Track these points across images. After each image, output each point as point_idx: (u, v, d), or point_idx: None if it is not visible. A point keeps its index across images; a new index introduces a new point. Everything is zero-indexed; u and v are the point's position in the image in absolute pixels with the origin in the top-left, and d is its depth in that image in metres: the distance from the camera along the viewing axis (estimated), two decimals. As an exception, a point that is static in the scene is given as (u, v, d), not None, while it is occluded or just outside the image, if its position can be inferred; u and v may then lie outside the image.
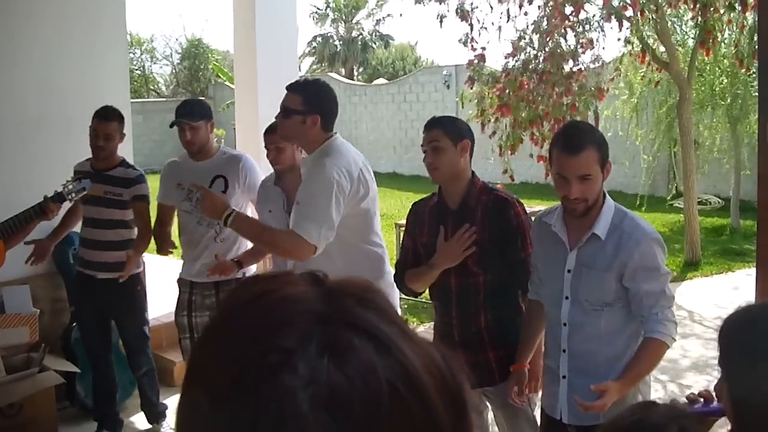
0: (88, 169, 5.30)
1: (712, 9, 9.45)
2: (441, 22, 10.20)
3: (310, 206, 3.87)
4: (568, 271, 3.30)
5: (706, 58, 12.17)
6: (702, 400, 2.13)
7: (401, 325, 0.77)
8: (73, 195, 4.92)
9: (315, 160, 4.02)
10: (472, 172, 3.84)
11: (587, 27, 9.91)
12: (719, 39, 11.36)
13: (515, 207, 3.75)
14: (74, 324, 5.86)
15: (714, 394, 2.06)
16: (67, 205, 5.17)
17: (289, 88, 4.09)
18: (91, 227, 5.37)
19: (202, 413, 0.74)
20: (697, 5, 9.18)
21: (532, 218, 3.84)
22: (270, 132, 4.68)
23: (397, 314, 0.80)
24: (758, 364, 1.77)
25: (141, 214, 5.38)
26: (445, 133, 3.72)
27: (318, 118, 3.98)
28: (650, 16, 10.25)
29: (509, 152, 9.87)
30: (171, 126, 5.06)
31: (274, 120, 4.33)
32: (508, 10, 9.87)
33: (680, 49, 12.12)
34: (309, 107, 3.97)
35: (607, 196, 3.33)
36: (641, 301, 3.20)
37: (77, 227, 5.56)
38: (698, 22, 9.87)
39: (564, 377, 3.38)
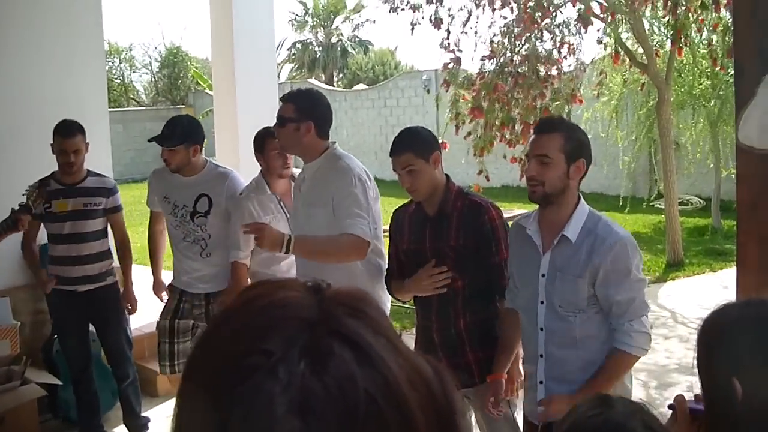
0: (57, 186, 5.20)
1: (684, 8, 9.48)
2: (413, 29, 10.27)
3: (353, 205, 3.91)
4: (543, 275, 3.29)
5: (684, 59, 12.22)
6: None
7: (390, 338, 0.77)
8: (39, 202, 4.86)
9: (325, 166, 4.08)
10: (447, 177, 3.86)
11: (565, 31, 9.92)
12: (696, 40, 11.42)
13: (489, 212, 3.76)
14: (56, 336, 5.82)
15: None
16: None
17: (282, 98, 4.19)
18: (69, 243, 5.26)
19: (189, 407, 0.76)
20: (668, 4, 9.22)
21: (510, 223, 3.84)
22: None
23: (390, 327, 0.79)
24: (728, 365, 1.77)
25: (120, 226, 5.47)
26: (417, 154, 3.73)
27: (311, 124, 4.04)
28: (621, 17, 10.29)
29: (479, 154, 9.82)
30: (149, 141, 5.02)
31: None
32: (477, 16, 9.95)
33: (660, 50, 12.14)
34: (301, 114, 4.03)
35: (582, 199, 3.30)
36: (611, 308, 3.16)
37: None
38: (669, 21, 9.90)
39: (541, 383, 3.36)
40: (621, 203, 14.00)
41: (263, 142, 4.74)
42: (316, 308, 0.75)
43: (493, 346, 3.75)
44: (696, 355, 1.91)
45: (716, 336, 1.86)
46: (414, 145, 3.76)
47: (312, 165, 4.12)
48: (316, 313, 0.75)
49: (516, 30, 9.80)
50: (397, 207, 4.15)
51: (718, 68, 11.43)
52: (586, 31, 9.73)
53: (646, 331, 3.16)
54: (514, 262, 3.53)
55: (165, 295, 5.35)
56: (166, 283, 5.40)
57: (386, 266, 4.21)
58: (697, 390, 1.97)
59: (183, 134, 4.89)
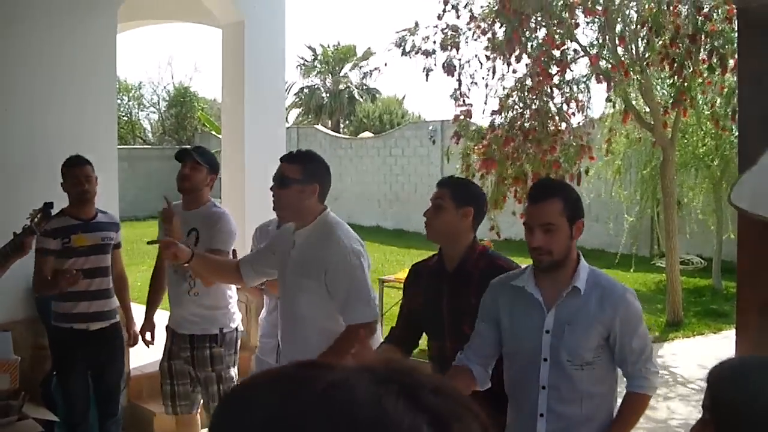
0: (73, 222, 5.25)
1: (691, 70, 9.55)
2: (427, 75, 10.32)
3: (358, 288, 3.91)
4: (547, 331, 3.24)
5: (688, 120, 12.28)
6: None
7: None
8: (43, 224, 4.83)
9: (316, 235, 4.02)
10: (474, 237, 3.82)
11: (575, 88, 9.97)
12: (701, 101, 11.48)
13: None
14: (55, 373, 5.81)
15: None
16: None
17: (286, 159, 4.07)
18: (89, 278, 5.21)
19: None
20: (675, 65, 9.29)
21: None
22: None
23: None
24: (751, 410, 1.81)
25: (121, 261, 5.57)
26: (451, 195, 3.74)
27: (317, 187, 3.99)
28: (635, 78, 10.35)
29: (492, 207, 9.79)
30: (177, 156, 5.06)
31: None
32: (494, 67, 9.98)
33: (670, 111, 12.24)
34: (308, 177, 3.97)
35: (582, 256, 3.32)
36: (627, 357, 3.22)
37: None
38: (674, 82, 9.96)
39: None
40: (617, 260, 14.08)
41: None
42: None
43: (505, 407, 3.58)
44: (709, 399, 1.95)
45: (742, 385, 1.90)
46: (454, 187, 3.80)
47: (303, 231, 4.03)
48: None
49: (528, 84, 9.86)
50: (417, 261, 4.14)
51: (719, 129, 11.51)
52: (609, 89, 9.80)
53: (656, 370, 3.32)
54: (505, 321, 3.39)
55: (149, 336, 5.35)
56: (157, 324, 5.43)
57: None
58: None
59: (210, 160, 5.06)
